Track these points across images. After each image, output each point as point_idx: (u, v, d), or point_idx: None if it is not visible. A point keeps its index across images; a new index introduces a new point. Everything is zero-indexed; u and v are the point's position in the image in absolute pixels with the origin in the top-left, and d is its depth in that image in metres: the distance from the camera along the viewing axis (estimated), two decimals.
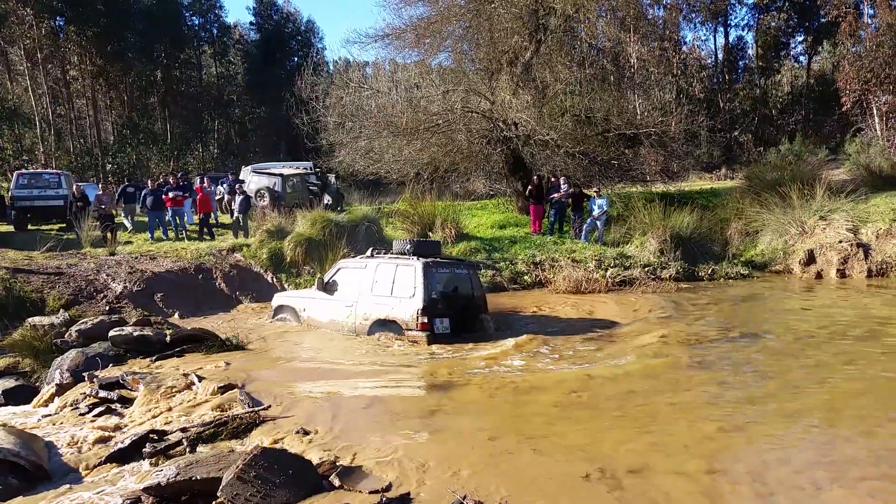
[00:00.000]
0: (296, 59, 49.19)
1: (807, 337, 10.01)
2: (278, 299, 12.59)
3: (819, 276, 15.86)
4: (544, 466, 5.23)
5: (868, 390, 7.32)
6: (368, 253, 11.59)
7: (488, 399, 7.22)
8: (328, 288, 11.44)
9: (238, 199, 18.03)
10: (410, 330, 10.07)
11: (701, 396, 7.17)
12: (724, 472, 5.13)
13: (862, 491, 4.80)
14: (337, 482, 5.05)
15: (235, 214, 18.20)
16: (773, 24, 41.36)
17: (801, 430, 6.10)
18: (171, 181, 18.89)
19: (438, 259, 10.92)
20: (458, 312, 10.45)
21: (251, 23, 50.89)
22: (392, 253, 11.24)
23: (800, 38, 43.78)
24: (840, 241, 16.04)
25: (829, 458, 5.41)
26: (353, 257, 12.47)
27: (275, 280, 14.80)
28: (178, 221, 18.14)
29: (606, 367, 8.46)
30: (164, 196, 17.86)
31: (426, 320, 9.96)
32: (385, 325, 10.47)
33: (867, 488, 4.83)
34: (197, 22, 47.75)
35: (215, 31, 48.80)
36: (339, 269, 11.66)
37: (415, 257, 10.53)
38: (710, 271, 16.00)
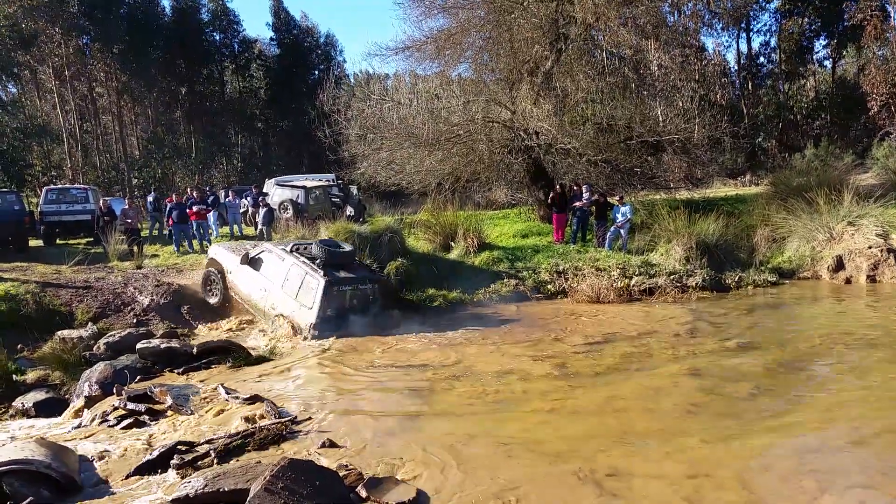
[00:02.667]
0: (316, 72, 49.71)
1: (815, 346, 9.83)
2: (213, 251, 13.43)
3: (848, 282, 15.54)
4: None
5: (864, 400, 7.23)
6: (290, 247, 12.24)
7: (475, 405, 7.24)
8: (252, 263, 12.24)
9: (262, 211, 18.18)
10: (304, 338, 10.98)
11: (685, 405, 7.18)
12: (707, 476, 5.22)
13: (851, 499, 4.81)
14: (364, 493, 5.05)
15: (259, 226, 18.35)
16: (795, 28, 40.95)
17: (792, 438, 6.09)
18: (194, 195, 19.09)
19: (342, 276, 11.46)
20: (352, 325, 11.23)
21: (271, 38, 51.48)
22: (311, 253, 11.88)
23: (823, 42, 43.33)
24: (870, 247, 15.73)
25: (817, 467, 5.38)
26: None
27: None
28: (202, 233, 18.32)
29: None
30: (188, 209, 18.09)
31: (316, 333, 10.93)
32: (287, 320, 11.42)
33: (856, 497, 4.84)
34: (218, 38, 48.41)
35: (236, 47, 49.44)
36: (263, 251, 12.43)
37: (321, 272, 11.22)
38: (737, 279, 15.74)
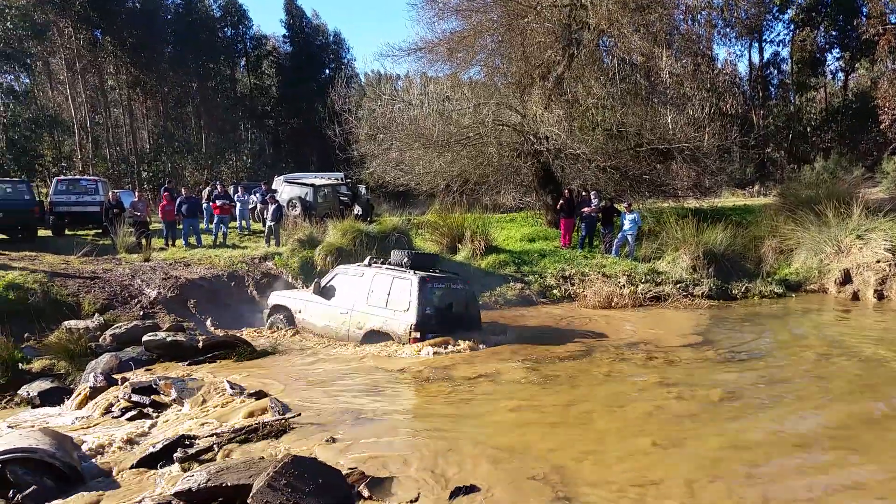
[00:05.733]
0: (327, 71, 49.79)
1: (797, 358, 9.89)
2: (274, 298, 12.61)
3: (855, 296, 15.45)
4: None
5: (820, 409, 7.32)
6: (367, 261, 11.69)
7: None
8: (325, 293, 11.50)
9: (270, 208, 18.21)
10: (402, 343, 10.23)
11: (646, 410, 7.23)
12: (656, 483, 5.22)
13: None
14: (366, 493, 5.04)
15: (268, 223, 18.38)
16: (808, 40, 40.82)
17: (743, 450, 6.09)
18: (219, 188, 19.28)
19: (434, 274, 10.97)
20: (451, 327, 10.52)
21: (284, 36, 51.59)
22: (390, 263, 11.33)
23: (836, 55, 43.18)
24: (878, 261, 15.63)
25: (764, 479, 5.38)
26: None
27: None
28: (222, 229, 18.51)
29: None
30: (212, 203, 18.52)
31: (418, 335, 10.15)
32: (378, 335, 10.65)
33: None
34: (229, 33, 48.45)
35: (248, 44, 49.52)
36: (336, 275, 11.74)
37: (411, 271, 10.66)
38: (743, 289, 15.70)
